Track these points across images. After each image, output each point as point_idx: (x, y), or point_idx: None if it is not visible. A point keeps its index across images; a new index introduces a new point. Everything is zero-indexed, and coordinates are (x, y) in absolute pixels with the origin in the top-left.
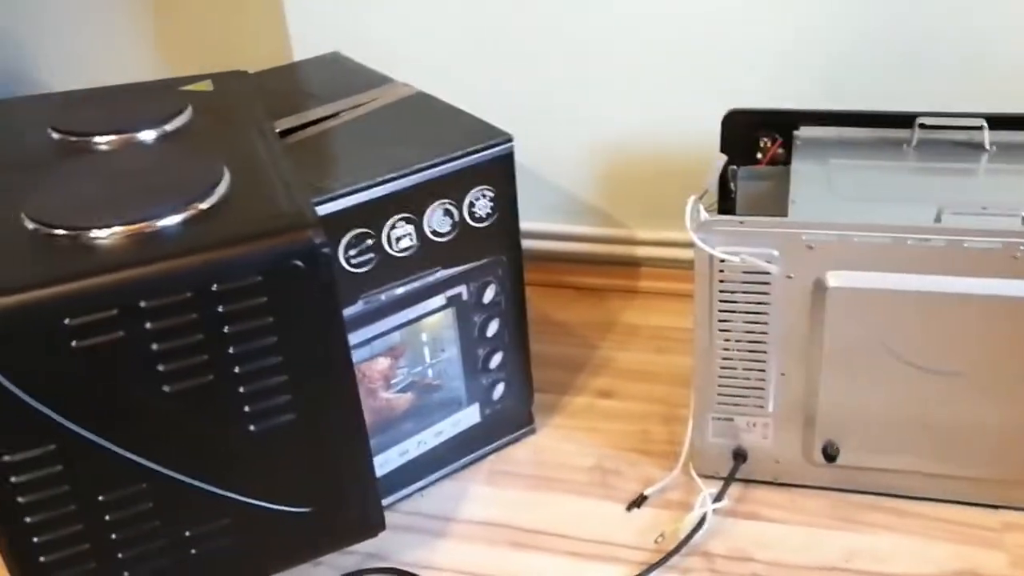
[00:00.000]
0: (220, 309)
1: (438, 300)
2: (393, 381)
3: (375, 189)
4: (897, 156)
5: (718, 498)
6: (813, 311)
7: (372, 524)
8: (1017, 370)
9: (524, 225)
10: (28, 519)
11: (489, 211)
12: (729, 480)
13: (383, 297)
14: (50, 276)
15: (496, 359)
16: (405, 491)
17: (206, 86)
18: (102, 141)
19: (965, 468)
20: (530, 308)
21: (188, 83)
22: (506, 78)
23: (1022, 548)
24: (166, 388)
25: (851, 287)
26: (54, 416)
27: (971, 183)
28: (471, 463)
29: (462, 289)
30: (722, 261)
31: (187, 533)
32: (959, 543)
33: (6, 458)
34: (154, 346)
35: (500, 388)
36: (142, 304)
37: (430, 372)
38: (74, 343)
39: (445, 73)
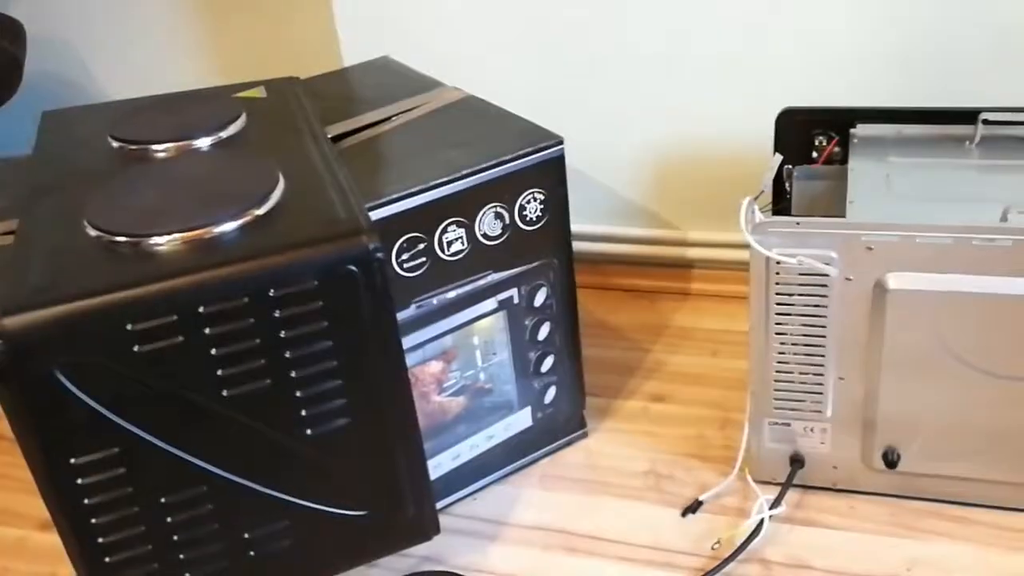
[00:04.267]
0: (277, 314)
1: (489, 303)
2: (445, 385)
3: (427, 193)
4: (959, 154)
5: (775, 504)
6: (873, 314)
7: (427, 528)
8: None
9: (575, 227)
10: (94, 520)
11: (540, 214)
12: (786, 486)
13: (435, 301)
14: (112, 283)
15: (548, 362)
16: (458, 495)
17: (259, 93)
18: (160, 149)
19: None
20: (581, 311)
21: (242, 90)
22: (556, 81)
23: None
24: (225, 392)
25: (912, 289)
26: (117, 420)
27: None
28: (524, 467)
29: (513, 292)
30: (778, 263)
31: (246, 535)
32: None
33: (72, 460)
34: (213, 351)
35: (552, 392)
36: (201, 310)
37: (482, 376)
38: (136, 348)
39: (495, 77)
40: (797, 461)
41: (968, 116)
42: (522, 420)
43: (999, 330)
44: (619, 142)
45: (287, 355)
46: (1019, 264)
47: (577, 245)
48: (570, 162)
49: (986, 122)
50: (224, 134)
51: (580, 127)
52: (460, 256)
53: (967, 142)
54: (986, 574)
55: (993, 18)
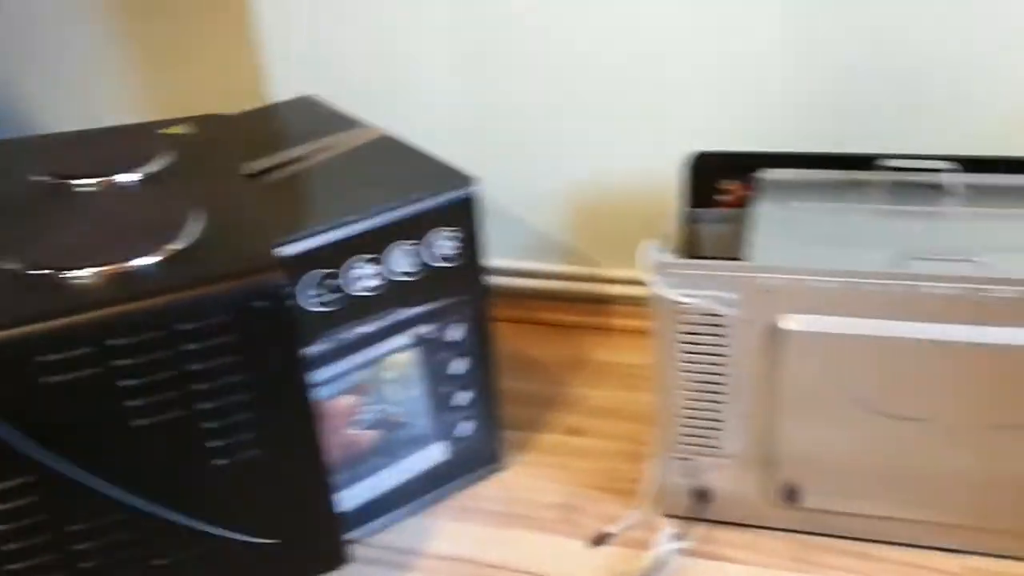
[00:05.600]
0: (189, 347)
1: (403, 339)
2: (359, 418)
3: (338, 231)
4: (861, 199)
5: (680, 537)
6: (771, 354)
7: (337, 557)
8: (981, 417)
9: (498, 262)
10: (3, 547)
11: (454, 252)
12: (690, 520)
13: (348, 336)
14: (25, 315)
15: (463, 397)
16: (373, 526)
17: (184, 129)
18: (82, 184)
19: (928, 513)
20: (502, 344)
21: (167, 126)
22: (477, 118)
23: None
24: (136, 423)
25: (808, 331)
26: (29, 449)
27: (933, 226)
28: (438, 499)
29: (427, 328)
30: (680, 303)
31: (156, 563)
32: None
33: None
34: (125, 382)
35: (468, 426)
36: (114, 342)
37: (395, 409)
38: (48, 379)
39: (418, 114)
40: (702, 495)
41: (868, 162)
42: (437, 453)
43: (895, 373)
44: (541, 180)
45: (198, 387)
46: (911, 308)
47: (499, 280)
48: (493, 198)
49: (888, 168)
50: (148, 170)
51: (502, 164)
52: (372, 292)
53: (869, 187)
54: None
55: (893, 68)
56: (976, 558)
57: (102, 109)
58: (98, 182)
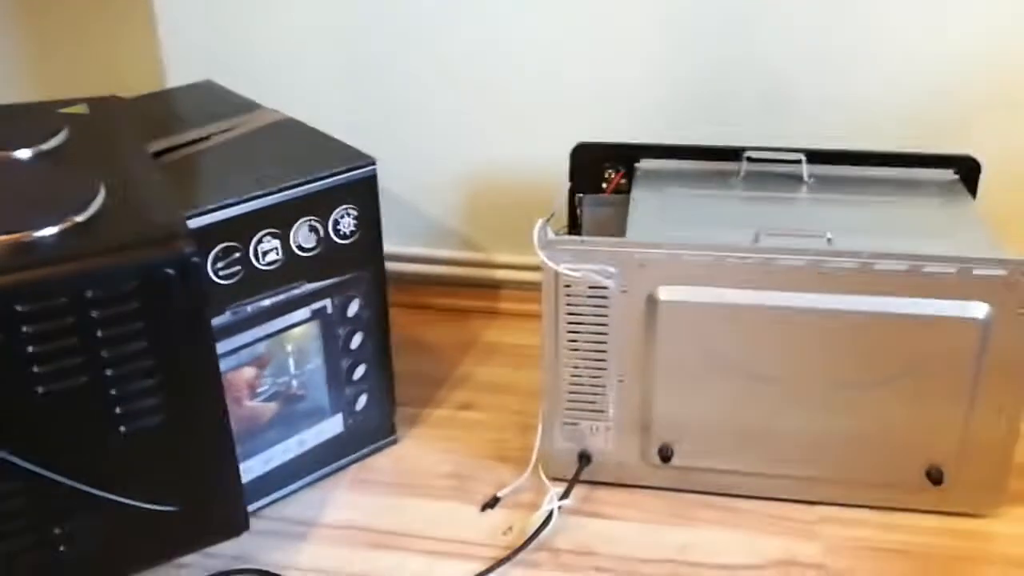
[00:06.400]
0: (94, 314)
1: (303, 313)
2: (258, 390)
3: (242, 205)
4: (726, 186)
5: (564, 497)
6: (647, 323)
7: (237, 524)
8: (826, 377)
9: (390, 248)
10: None
11: (353, 229)
12: (574, 481)
13: (249, 308)
14: None
15: (359, 371)
16: (269, 498)
17: (82, 109)
18: None
19: (786, 467)
20: (395, 328)
21: (64, 106)
22: (372, 107)
23: (834, 538)
24: (40, 389)
25: (679, 301)
26: None
27: (789, 210)
28: (335, 471)
29: (327, 303)
30: (566, 276)
31: (56, 530)
32: (781, 535)
33: None
34: (29, 348)
35: (363, 399)
36: (18, 308)
37: (295, 382)
38: None
39: (315, 102)
40: (585, 458)
41: (735, 153)
42: (334, 426)
43: (753, 337)
44: (432, 168)
45: (103, 354)
46: (768, 279)
47: (392, 265)
48: (386, 185)
49: (750, 159)
50: (44, 146)
51: (396, 152)
52: (275, 266)
53: (733, 176)
54: (749, 556)
55: (758, 70)
56: (827, 508)
57: None
58: None
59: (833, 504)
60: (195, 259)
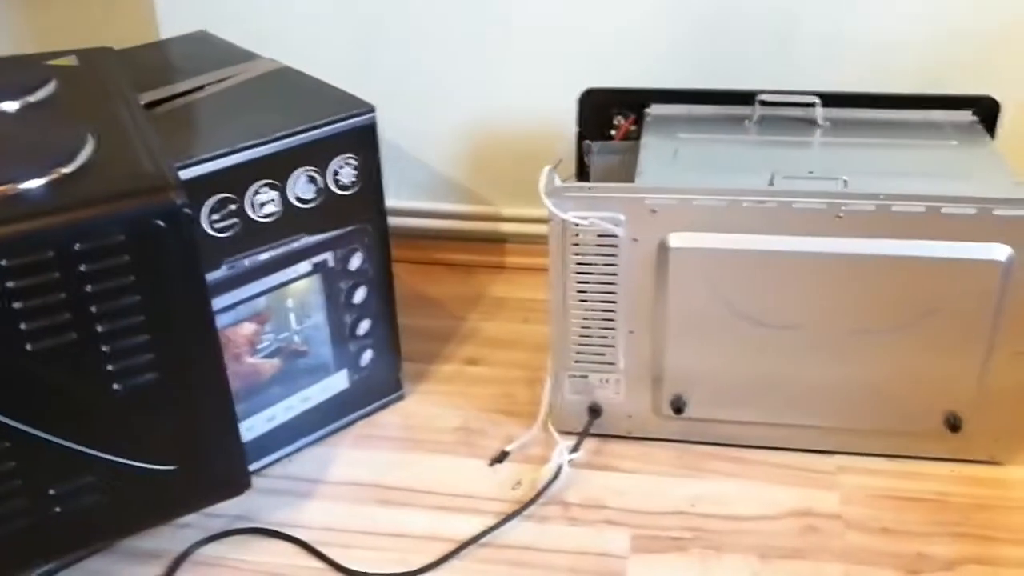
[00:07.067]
0: (83, 268)
1: (303, 266)
2: (259, 346)
3: (237, 155)
4: (739, 131)
5: (574, 450)
6: (658, 272)
7: (237, 482)
8: (843, 323)
9: (393, 203)
10: None
11: (353, 179)
12: (584, 434)
13: (247, 262)
14: None
15: (363, 326)
16: (274, 456)
17: (71, 61)
18: None
19: (802, 417)
20: (400, 284)
21: (53, 58)
22: (372, 58)
23: (852, 487)
24: (29, 346)
25: (692, 247)
26: None
27: (804, 154)
28: (340, 428)
29: (328, 256)
30: (576, 225)
31: (51, 491)
32: (797, 486)
33: None
34: (17, 304)
35: (368, 355)
36: (3, 263)
37: (296, 338)
38: None
39: (313, 52)
40: (594, 411)
41: (748, 97)
42: (338, 382)
43: (770, 285)
44: (435, 120)
45: (93, 309)
46: (784, 223)
47: (396, 220)
48: (389, 138)
49: (763, 103)
50: (32, 98)
51: (398, 103)
52: (272, 218)
53: (746, 121)
54: (761, 506)
55: (770, 9)
56: (845, 457)
57: None
58: None
59: (850, 453)
60: (187, 210)
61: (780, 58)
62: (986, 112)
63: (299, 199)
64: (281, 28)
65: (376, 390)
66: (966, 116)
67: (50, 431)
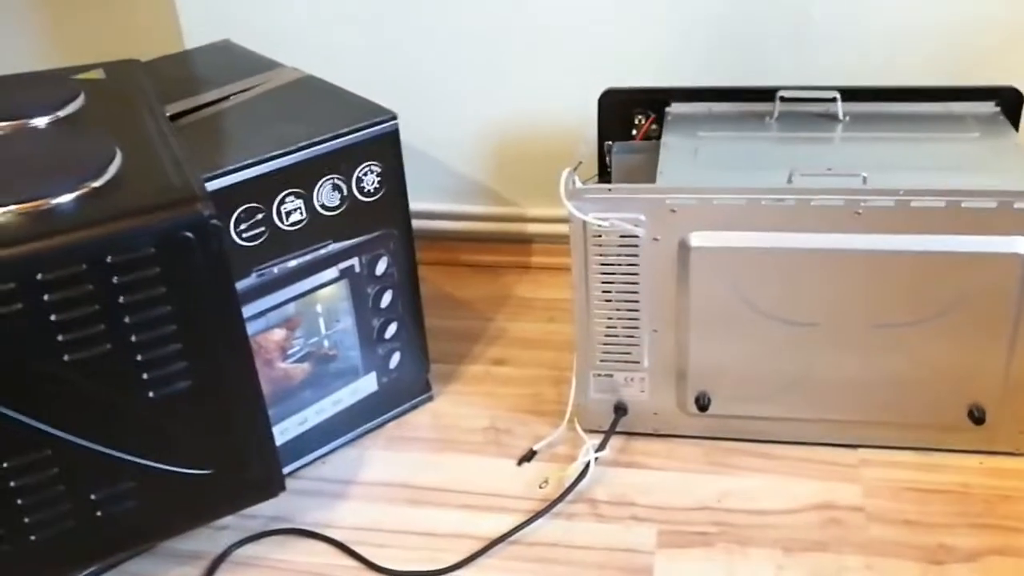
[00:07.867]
0: (115, 280)
1: (331, 272)
2: (289, 352)
3: (263, 165)
4: (760, 128)
5: (600, 448)
6: (679, 271)
7: (272, 485)
8: (865, 318)
9: (418, 205)
10: None
11: (377, 186)
12: (610, 432)
13: (275, 270)
14: None
15: (391, 329)
16: (306, 459)
17: (98, 74)
18: None
19: (825, 411)
20: (427, 285)
21: (80, 72)
22: (393, 62)
23: (875, 480)
24: (66, 357)
25: (712, 246)
26: None
27: (824, 149)
28: (371, 430)
29: (354, 261)
30: (597, 226)
31: (92, 497)
32: (820, 479)
33: None
34: (53, 317)
35: (396, 357)
36: (39, 277)
37: (326, 342)
38: None
39: (335, 60)
40: (620, 409)
41: (768, 93)
42: (368, 385)
43: (790, 282)
44: (458, 122)
45: (126, 320)
46: (803, 221)
47: (422, 223)
48: (412, 142)
49: (783, 99)
50: (62, 113)
51: (421, 108)
52: (299, 226)
53: (767, 117)
54: (785, 500)
55: (788, 4)
56: (868, 451)
57: (8, 57)
58: (11, 125)
59: (873, 447)
60: (215, 221)
61: (798, 50)
62: (1009, 103)
63: (324, 207)
64: (303, 36)
65: (405, 392)
66: (989, 107)
67: (89, 438)
